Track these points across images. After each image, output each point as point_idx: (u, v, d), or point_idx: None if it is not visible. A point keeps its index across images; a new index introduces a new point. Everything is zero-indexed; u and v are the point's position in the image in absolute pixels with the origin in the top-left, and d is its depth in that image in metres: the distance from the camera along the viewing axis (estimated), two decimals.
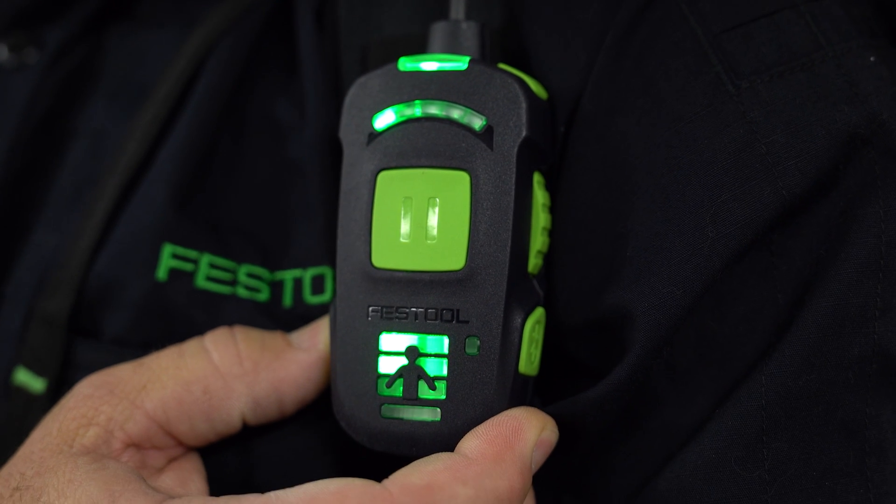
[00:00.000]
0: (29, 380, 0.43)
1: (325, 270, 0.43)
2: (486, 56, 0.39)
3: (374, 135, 0.38)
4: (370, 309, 0.37)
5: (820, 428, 0.36)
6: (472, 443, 0.35)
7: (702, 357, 0.36)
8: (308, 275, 0.43)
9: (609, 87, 0.38)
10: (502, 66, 0.38)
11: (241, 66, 0.46)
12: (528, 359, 0.37)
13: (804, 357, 0.36)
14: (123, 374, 0.39)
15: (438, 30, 0.40)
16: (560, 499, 0.41)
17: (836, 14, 0.38)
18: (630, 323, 0.36)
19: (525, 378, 0.37)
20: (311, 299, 0.43)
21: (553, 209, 0.39)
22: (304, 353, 0.40)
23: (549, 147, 0.39)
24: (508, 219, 0.36)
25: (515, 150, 0.37)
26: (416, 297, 0.37)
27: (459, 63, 0.38)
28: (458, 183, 0.37)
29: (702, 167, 0.36)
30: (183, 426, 0.38)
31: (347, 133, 0.39)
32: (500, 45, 0.41)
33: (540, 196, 0.38)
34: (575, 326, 0.39)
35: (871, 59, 0.37)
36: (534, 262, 0.38)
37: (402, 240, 0.37)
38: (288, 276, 0.43)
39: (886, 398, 0.36)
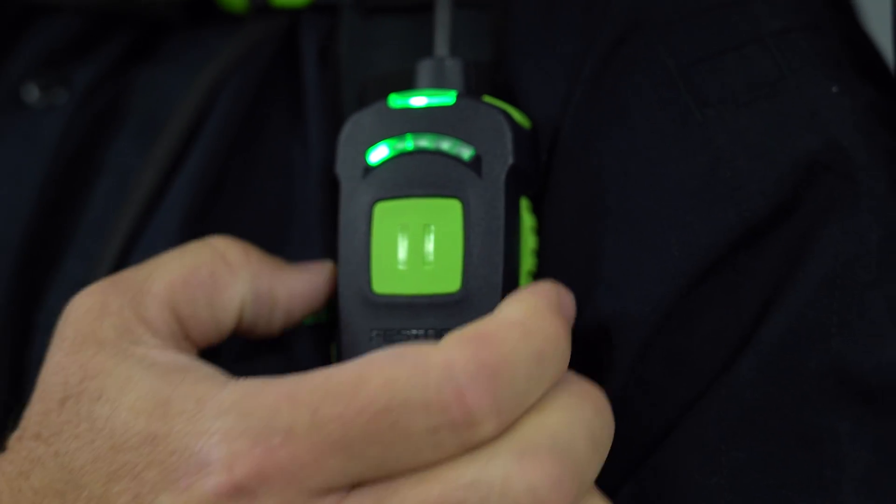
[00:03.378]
0: None
1: None
2: (471, 90, 0.42)
3: (368, 169, 0.40)
4: (373, 332, 0.39)
5: (778, 439, 0.37)
6: (507, 305, 0.35)
7: (670, 370, 0.39)
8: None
9: (586, 117, 0.41)
10: (487, 98, 0.41)
11: (251, 102, 0.48)
12: None
13: (761, 370, 0.38)
14: (124, 273, 0.39)
15: (424, 67, 0.42)
16: None
17: (801, 46, 0.40)
18: (606, 341, 0.39)
19: None
20: (308, 319, 0.45)
21: (539, 232, 0.42)
22: (303, 272, 0.41)
23: (534, 173, 0.41)
24: (500, 241, 0.39)
25: (503, 177, 0.39)
26: (417, 320, 0.39)
27: (447, 97, 0.40)
28: (450, 210, 0.39)
29: (670, 191, 0.38)
30: (188, 309, 0.38)
31: (344, 168, 0.41)
32: (488, 78, 0.43)
33: (527, 220, 0.40)
34: None
35: (834, 89, 0.39)
36: (525, 282, 0.40)
37: (400, 266, 0.39)
38: None
39: (845, 412, 0.37)
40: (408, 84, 0.43)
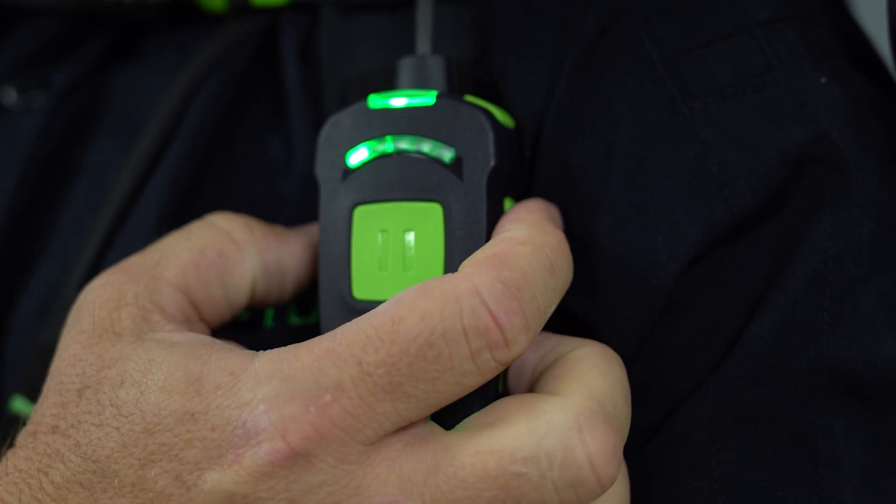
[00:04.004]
0: (24, 407, 0.45)
1: (312, 295, 0.44)
2: (453, 88, 0.41)
3: (348, 171, 0.40)
4: None
5: (769, 439, 0.37)
6: (509, 225, 0.36)
7: (655, 367, 0.38)
8: (293, 298, 0.44)
9: (569, 111, 0.40)
10: (469, 98, 0.40)
11: (229, 101, 0.47)
12: (504, 381, 0.39)
13: (750, 369, 0.37)
14: (133, 259, 0.39)
15: (406, 65, 0.41)
16: None
17: (789, 37, 0.39)
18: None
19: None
20: (296, 320, 0.44)
21: None
22: (304, 236, 0.41)
23: (518, 173, 0.40)
24: (482, 245, 0.38)
25: (485, 179, 0.38)
26: None
27: (427, 98, 0.39)
28: (431, 214, 0.38)
29: (656, 187, 0.38)
30: (201, 292, 0.39)
31: (323, 170, 0.40)
32: (471, 75, 0.42)
33: None
34: None
35: (822, 80, 0.39)
36: None
37: (380, 271, 0.39)
38: None
39: (838, 409, 0.37)
40: (390, 82, 0.42)
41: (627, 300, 0.38)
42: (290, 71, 0.46)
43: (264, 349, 0.42)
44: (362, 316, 0.33)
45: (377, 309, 0.33)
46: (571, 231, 0.39)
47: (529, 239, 0.35)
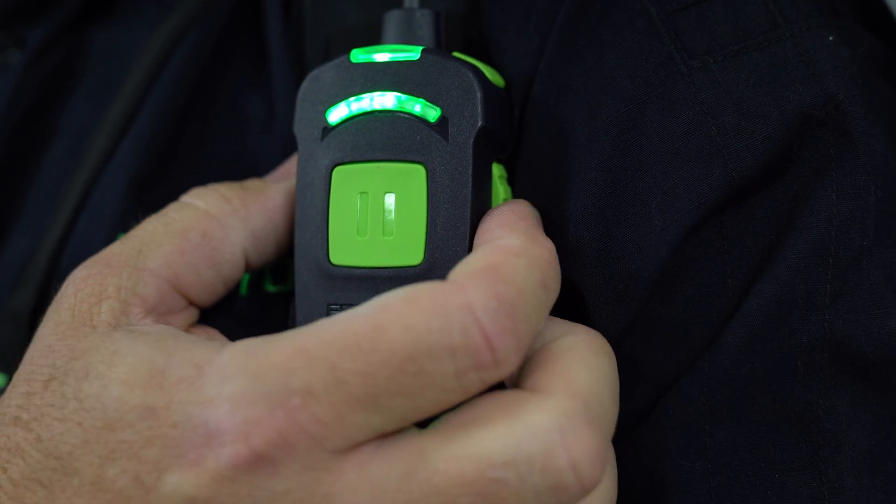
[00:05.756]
0: None
1: (288, 261, 0.42)
2: (441, 45, 0.39)
3: (328, 129, 0.38)
4: (329, 307, 0.37)
5: (767, 418, 0.35)
6: (500, 231, 0.34)
7: (647, 342, 0.36)
8: (268, 265, 0.43)
9: (560, 67, 0.38)
10: (457, 54, 0.38)
11: (207, 59, 0.45)
12: None
13: (747, 344, 0.35)
14: (114, 249, 0.37)
15: (392, 18, 0.39)
16: None
17: None
18: (586, 318, 0.36)
19: None
20: (271, 288, 0.42)
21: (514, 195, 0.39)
22: (284, 183, 0.40)
23: (507, 136, 0.38)
24: (466, 211, 0.36)
25: (471, 140, 0.36)
26: (376, 294, 0.36)
27: (412, 53, 0.37)
28: (413, 176, 0.37)
29: (650, 150, 0.36)
30: (190, 277, 0.37)
31: (301, 128, 0.38)
32: (461, 32, 0.40)
33: (501, 191, 0.38)
34: None
35: (831, 38, 0.36)
36: None
37: (359, 236, 0.37)
38: None
39: (841, 388, 0.35)
40: (377, 38, 0.40)
41: (617, 271, 0.36)
42: (272, 25, 0.44)
43: (239, 318, 0.41)
44: (341, 315, 0.31)
45: (358, 310, 0.31)
46: (555, 197, 0.37)
47: (524, 250, 0.33)
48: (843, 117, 0.36)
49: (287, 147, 0.43)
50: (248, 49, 0.46)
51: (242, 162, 0.44)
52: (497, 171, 0.38)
